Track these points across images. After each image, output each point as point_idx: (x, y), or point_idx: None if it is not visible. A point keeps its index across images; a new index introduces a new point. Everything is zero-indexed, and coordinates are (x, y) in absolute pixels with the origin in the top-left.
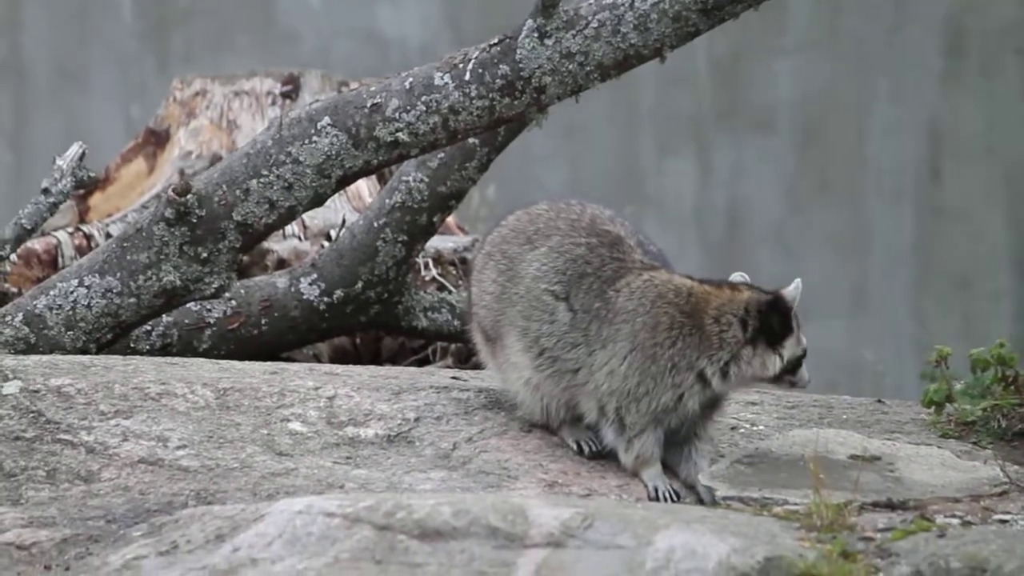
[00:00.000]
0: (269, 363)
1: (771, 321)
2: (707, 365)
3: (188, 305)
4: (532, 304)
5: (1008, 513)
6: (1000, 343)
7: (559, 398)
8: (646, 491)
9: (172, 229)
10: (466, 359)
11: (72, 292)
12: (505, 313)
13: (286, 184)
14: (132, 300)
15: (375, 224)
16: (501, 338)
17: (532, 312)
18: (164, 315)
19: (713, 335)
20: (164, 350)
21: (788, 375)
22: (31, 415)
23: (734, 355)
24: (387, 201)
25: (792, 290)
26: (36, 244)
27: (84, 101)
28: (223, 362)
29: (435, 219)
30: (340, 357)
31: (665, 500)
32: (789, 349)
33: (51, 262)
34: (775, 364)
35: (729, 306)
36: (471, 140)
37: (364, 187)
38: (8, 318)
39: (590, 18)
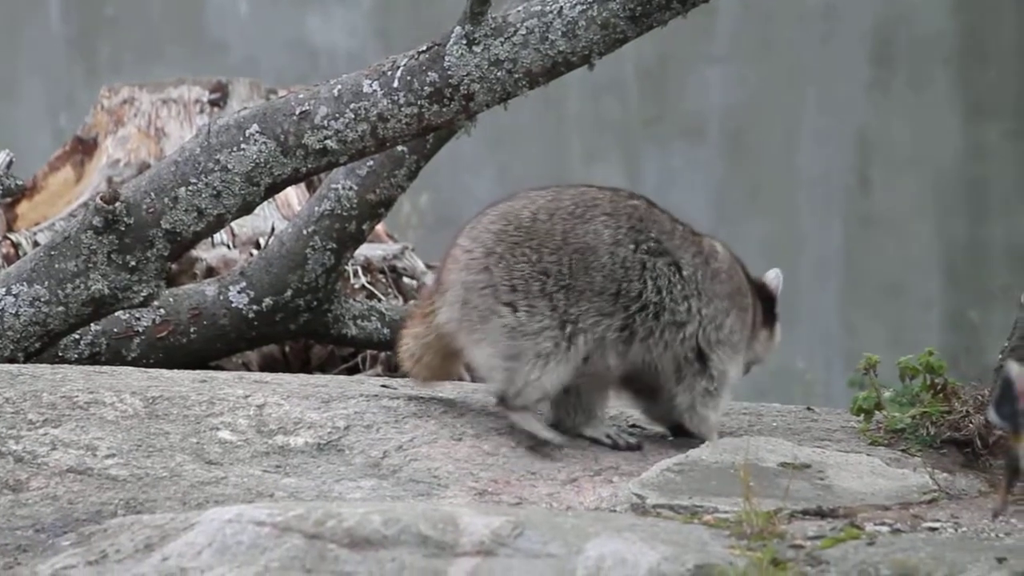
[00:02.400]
0: (198, 371)
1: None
2: (750, 336)
3: (117, 314)
4: (624, 266)
5: (937, 521)
6: (929, 351)
7: (613, 367)
8: None
9: (100, 237)
10: (396, 367)
11: None
12: (576, 283)
13: (215, 192)
14: (60, 309)
15: (304, 232)
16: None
17: (626, 273)
18: (92, 324)
19: (753, 310)
20: (93, 359)
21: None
22: None
23: (755, 333)
24: (316, 209)
25: (773, 278)
26: None
27: (11, 110)
28: (152, 371)
29: (364, 227)
30: (269, 365)
31: None
32: (776, 336)
33: None
34: (768, 349)
35: (757, 286)
36: (400, 148)
37: (293, 195)
38: None
39: (518, 25)
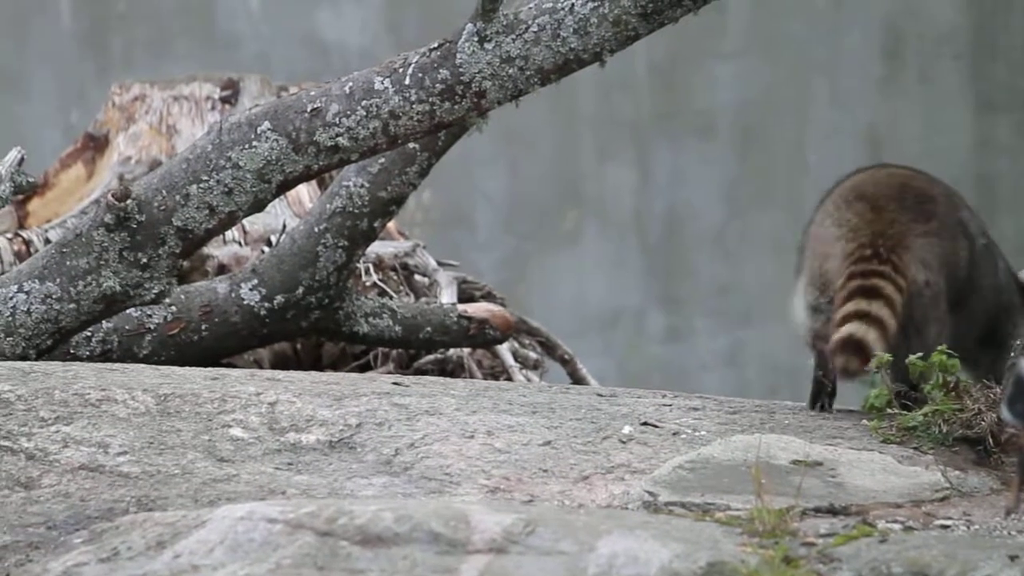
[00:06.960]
0: (210, 369)
1: None
2: None
3: (128, 311)
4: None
5: (949, 518)
6: (941, 350)
7: None
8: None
9: (111, 234)
10: (407, 364)
11: (11, 298)
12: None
13: (226, 189)
14: (72, 306)
15: (316, 229)
16: None
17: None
18: (104, 321)
19: None
20: (104, 356)
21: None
22: None
23: None
24: (328, 206)
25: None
26: None
27: (22, 106)
28: (164, 368)
29: (376, 224)
30: (281, 363)
31: None
32: None
33: None
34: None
35: None
36: (412, 145)
37: (305, 192)
38: None
39: (530, 22)
